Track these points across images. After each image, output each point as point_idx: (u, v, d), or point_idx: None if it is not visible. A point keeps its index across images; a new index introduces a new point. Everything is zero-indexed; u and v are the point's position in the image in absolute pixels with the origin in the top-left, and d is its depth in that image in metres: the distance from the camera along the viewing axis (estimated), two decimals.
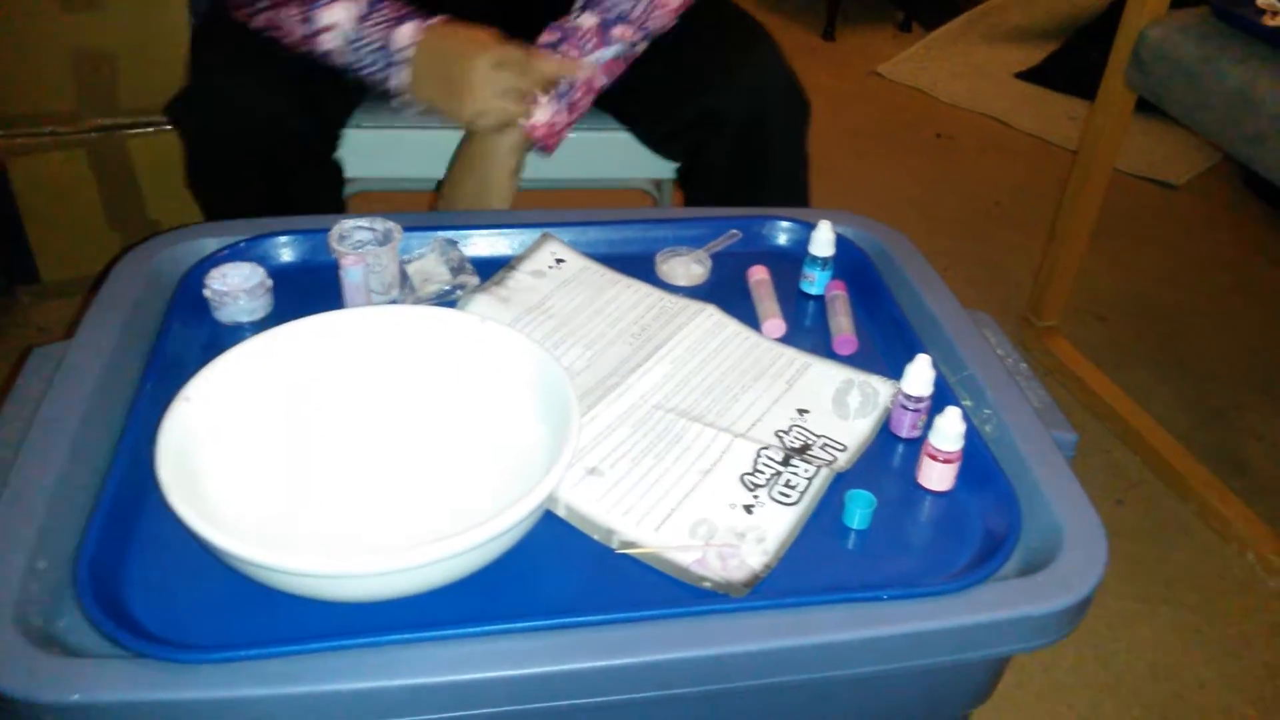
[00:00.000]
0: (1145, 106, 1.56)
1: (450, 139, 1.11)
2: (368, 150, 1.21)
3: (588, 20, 1.09)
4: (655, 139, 1.22)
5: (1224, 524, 1.48)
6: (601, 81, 1.11)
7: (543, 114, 1.06)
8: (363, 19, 1.00)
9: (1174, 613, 1.38)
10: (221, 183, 1.11)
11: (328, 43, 1.02)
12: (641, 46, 1.13)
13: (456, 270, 0.94)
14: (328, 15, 1.00)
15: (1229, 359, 1.85)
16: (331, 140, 1.16)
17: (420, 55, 1.00)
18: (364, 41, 1.01)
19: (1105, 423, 1.68)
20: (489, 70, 0.99)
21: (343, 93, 1.14)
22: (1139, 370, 1.81)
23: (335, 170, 1.18)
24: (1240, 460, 1.63)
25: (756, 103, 1.13)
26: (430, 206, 1.18)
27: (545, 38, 1.09)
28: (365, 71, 1.03)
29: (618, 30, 1.09)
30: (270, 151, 1.07)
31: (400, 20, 1.00)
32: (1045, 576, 0.68)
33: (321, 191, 1.18)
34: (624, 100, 1.18)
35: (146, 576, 0.66)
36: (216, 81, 1.05)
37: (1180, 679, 1.30)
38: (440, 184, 1.15)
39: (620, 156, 1.27)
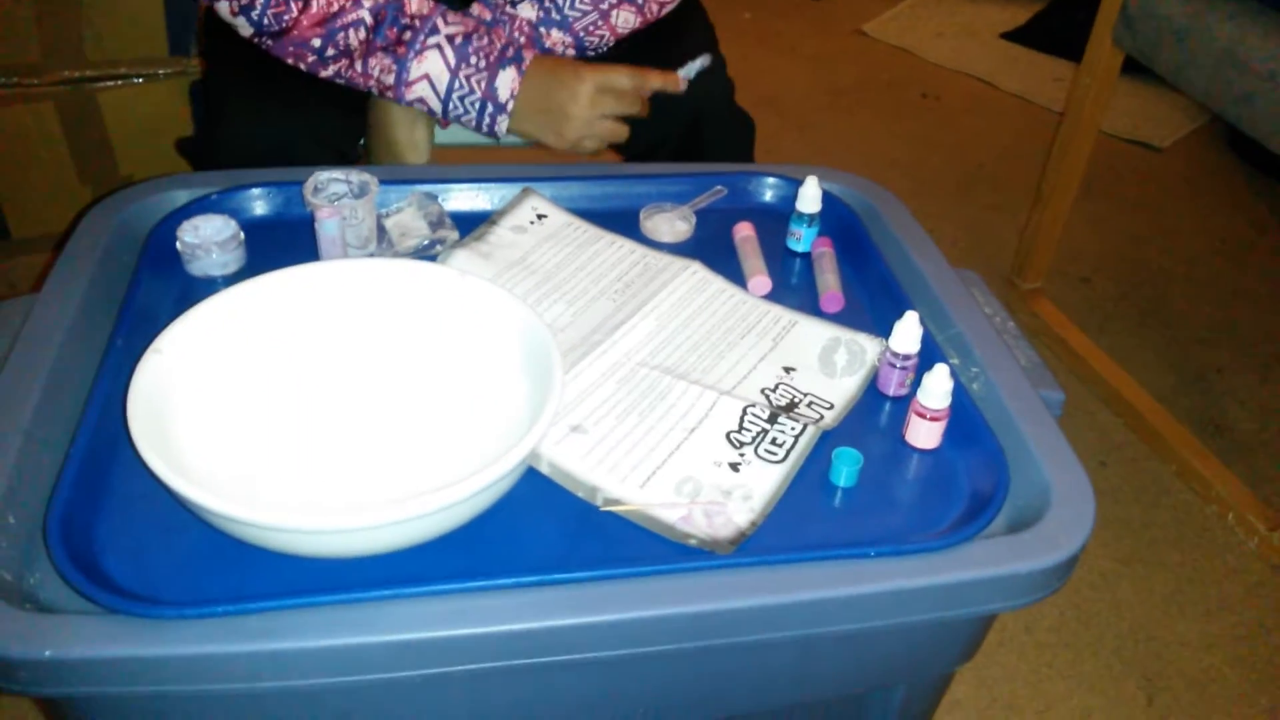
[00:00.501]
0: (1130, 68, 1.55)
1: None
2: None
3: (524, 11, 1.06)
4: None
5: (1205, 486, 1.49)
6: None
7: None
8: (457, 67, 0.97)
9: (1155, 573, 1.39)
10: None
11: (417, 92, 0.99)
12: (569, 56, 1.10)
13: (435, 225, 0.92)
14: (420, 66, 0.97)
15: (1211, 322, 1.86)
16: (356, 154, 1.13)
17: (521, 97, 0.99)
18: (462, 92, 0.98)
19: (1088, 385, 1.68)
20: (594, 95, 0.98)
21: (354, 116, 1.11)
22: (1122, 333, 1.81)
23: None
24: (1221, 423, 1.63)
25: (690, 131, 1.11)
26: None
27: (475, 10, 1.06)
28: (462, 119, 1.01)
29: (554, 35, 1.07)
30: None
31: (496, 66, 0.98)
32: (1033, 534, 0.67)
33: None
34: None
35: (119, 532, 0.65)
36: (233, 129, 1.03)
37: (1160, 639, 1.31)
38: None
39: None
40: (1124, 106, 2.48)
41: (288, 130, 1.03)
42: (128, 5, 1.49)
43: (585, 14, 1.07)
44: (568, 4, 1.06)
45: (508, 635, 0.60)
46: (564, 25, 1.06)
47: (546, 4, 1.06)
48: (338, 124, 1.08)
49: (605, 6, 1.07)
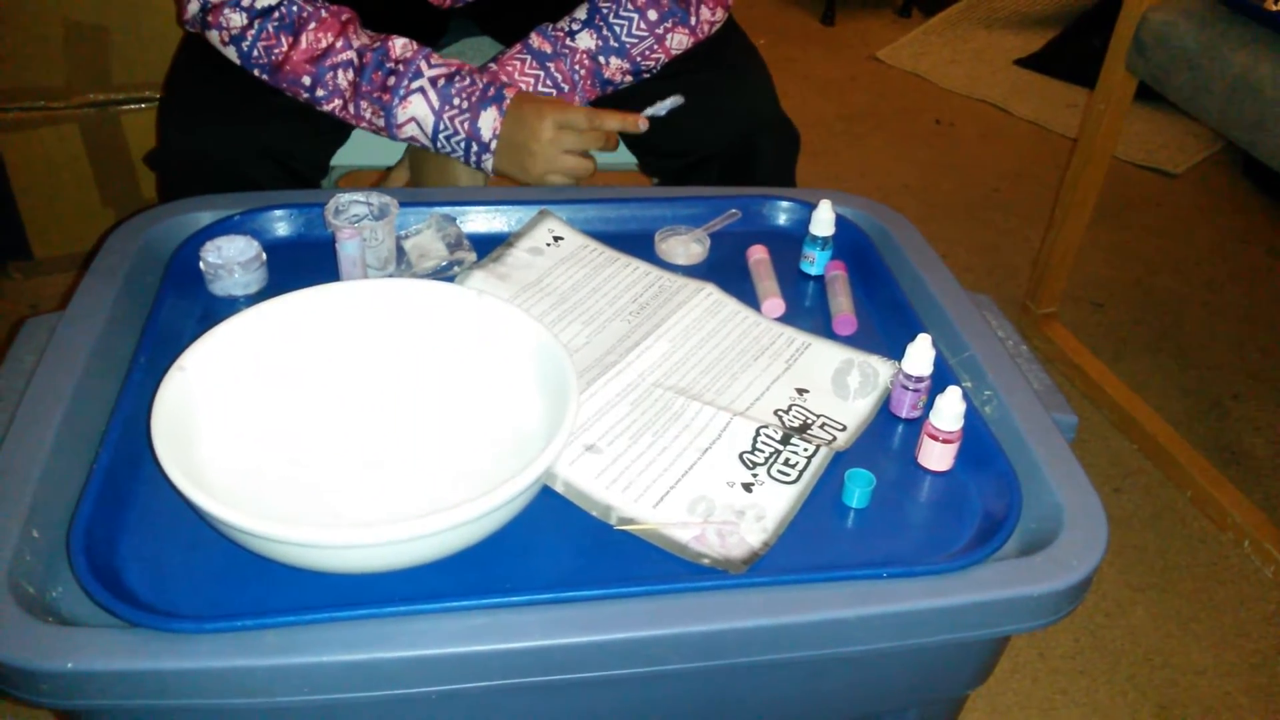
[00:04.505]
0: (1144, 94, 1.55)
1: None
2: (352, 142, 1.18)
3: (584, 41, 1.07)
4: (641, 161, 1.21)
5: (1220, 513, 1.49)
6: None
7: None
8: (441, 109, 1.00)
9: (1170, 600, 1.39)
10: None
11: (408, 133, 1.02)
12: (626, 82, 1.12)
13: (453, 246, 0.93)
14: (405, 111, 1.00)
15: (1227, 348, 1.85)
16: (319, 176, 1.14)
17: (500, 135, 1.01)
18: (448, 132, 1.01)
19: (1103, 411, 1.68)
20: (554, 132, 1.00)
21: (329, 133, 1.12)
22: (1137, 358, 1.81)
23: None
24: (1237, 449, 1.63)
25: (742, 142, 1.12)
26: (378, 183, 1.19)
27: (535, 42, 1.07)
28: (453, 155, 1.04)
29: (613, 63, 1.09)
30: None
31: (478, 106, 1.00)
32: (1045, 556, 0.67)
33: None
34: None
35: (141, 546, 0.66)
36: (195, 144, 1.03)
37: (1175, 666, 1.30)
38: (391, 169, 1.16)
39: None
40: (1138, 132, 2.48)
41: (232, 148, 1.03)
42: (153, 29, 1.52)
43: (642, 39, 1.09)
44: (624, 31, 1.08)
45: (522, 652, 0.60)
46: (621, 52, 1.08)
47: (604, 33, 1.08)
48: (290, 145, 1.07)
49: (660, 31, 1.09)
